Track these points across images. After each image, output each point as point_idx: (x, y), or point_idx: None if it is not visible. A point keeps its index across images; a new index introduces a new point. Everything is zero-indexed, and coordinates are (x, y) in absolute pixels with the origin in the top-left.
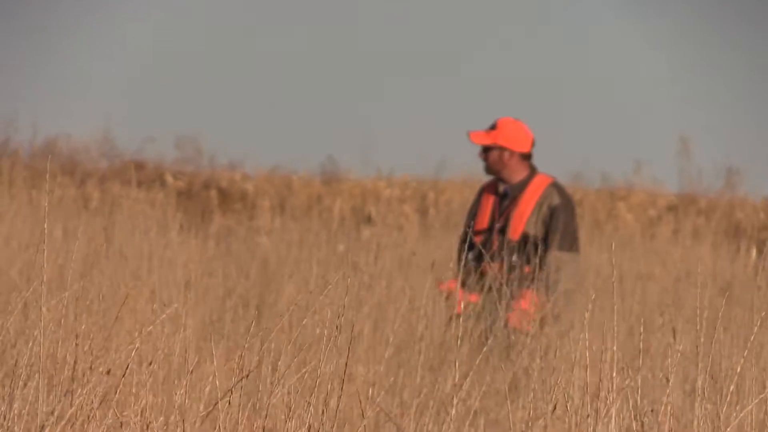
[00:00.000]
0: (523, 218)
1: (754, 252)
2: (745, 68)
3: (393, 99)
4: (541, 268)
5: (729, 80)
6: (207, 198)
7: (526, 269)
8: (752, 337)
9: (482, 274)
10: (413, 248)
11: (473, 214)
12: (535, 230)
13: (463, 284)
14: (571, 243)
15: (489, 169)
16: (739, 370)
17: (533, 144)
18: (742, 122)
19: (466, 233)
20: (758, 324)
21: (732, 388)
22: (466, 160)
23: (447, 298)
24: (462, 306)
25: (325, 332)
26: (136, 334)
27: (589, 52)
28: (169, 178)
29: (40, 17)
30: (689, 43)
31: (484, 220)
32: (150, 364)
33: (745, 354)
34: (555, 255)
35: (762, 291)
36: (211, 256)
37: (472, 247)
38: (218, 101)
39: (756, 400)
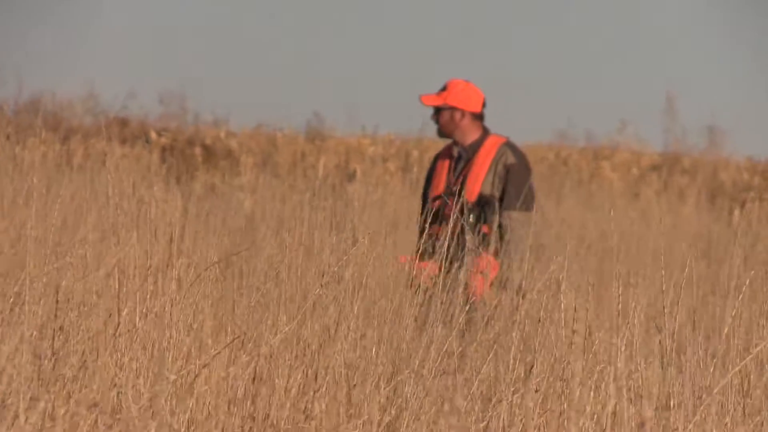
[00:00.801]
0: (479, 179)
1: (736, 212)
2: (731, 28)
3: (378, 56)
4: (499, 228)
5: (714, 39)
6: (191, 155)
7: (484, 229)
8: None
9: (443, 239)
10: (396, 207)
11: (429, 180)
12: (492, 190)
13: (425, 255)
14: (525, 202)
15: (441, 131)
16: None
17: (484, 104)
18: (727, 81)
19: (424, 202)
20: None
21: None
22: None
23: (408, 271)
24: (424, 277)
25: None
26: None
27: (573, 8)
28: (154, 135)
29: None
30: (675, 1)
31: (440, 185)
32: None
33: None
34: (508, 215)
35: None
36: (194, 215)
37: (432, 214)
38: (203, 58)
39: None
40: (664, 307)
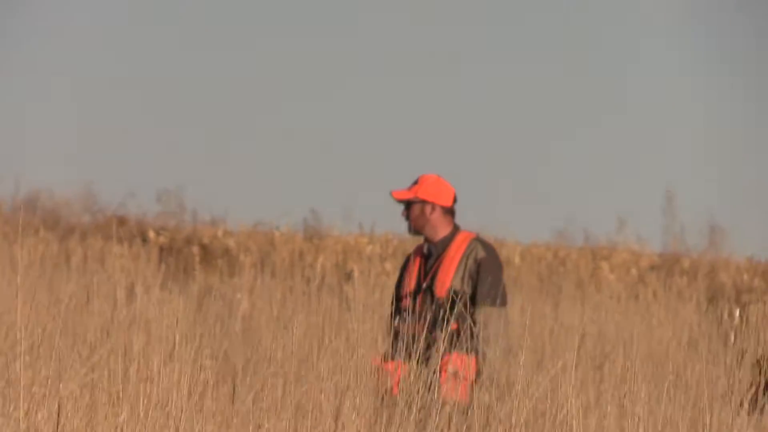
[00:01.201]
0: (449, 274)
1: (737, 314)
2: (731, 125)
3: (376, 156)
4: (473, 324)
5: (714, 136)
6: (189, 254)
7: (453, 326)
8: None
9: (413, 338)
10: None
11: (401, 280)
12: (462, 285)
13: (395, 354)
14: (499, 297)
15: (412, 227)
16: None
17: (455, 199)
18: (727, 180)
19: (393, 302)
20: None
21: None
22: None
23: (378, 374)
24: (394, 383)
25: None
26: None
27: (571, 107)
28: (152, 234)
29: (24, 73)
30: (673, 99)
31: (411, 283)
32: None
33: None
34: (483, 310)
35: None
36: (192, 320)
37: (402, 312)
38: (200, 157)
39: None
40: None
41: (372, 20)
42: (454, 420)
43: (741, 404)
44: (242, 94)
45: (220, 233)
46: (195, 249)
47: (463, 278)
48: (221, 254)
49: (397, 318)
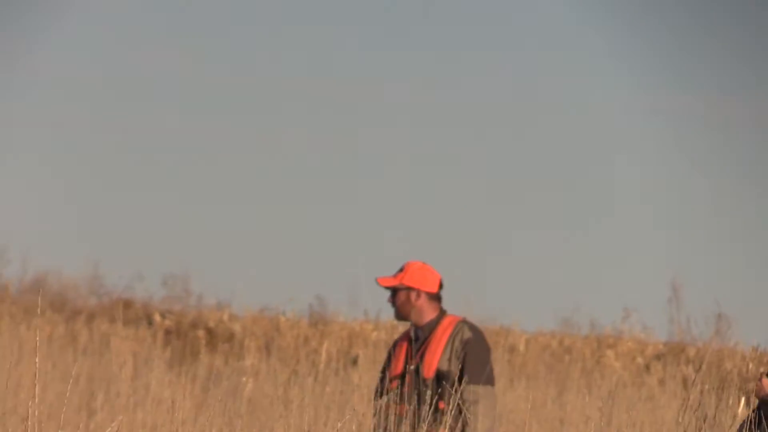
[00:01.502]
0: (436, 355)
1: (742, 402)
2: (737, 214)
3: (382, 242)
4: (461, 403)
5: (720, 227)
6: (194, 337)
7: (440, 405)
8: None
9: (399, 418)
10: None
11: (387, 365)
12: (449, 366)
13: None
14: (486, 376)
15: (398, 313)
16: None
17: (441, 285)
18: (733, 270)
19: (379, 386)
20: None
21: None
22: (455, 304)
23: None
24: None
25: None
26: None
27: (575, 195)
28: (157, 317)
29: (28, 150)
30: (678, 188)
31: (398, 366)
32: None
33: None
34: (470, 389)
35: None
36: (199, 402)
37: (388, 394)
38: (206, 241)
39: None
40: None
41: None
42: None
43: None
44: (248, 178)
45: (225, 317)
46: (200, 333)
47: (449, 359)
48: (227, 338)
49: (385, 398)
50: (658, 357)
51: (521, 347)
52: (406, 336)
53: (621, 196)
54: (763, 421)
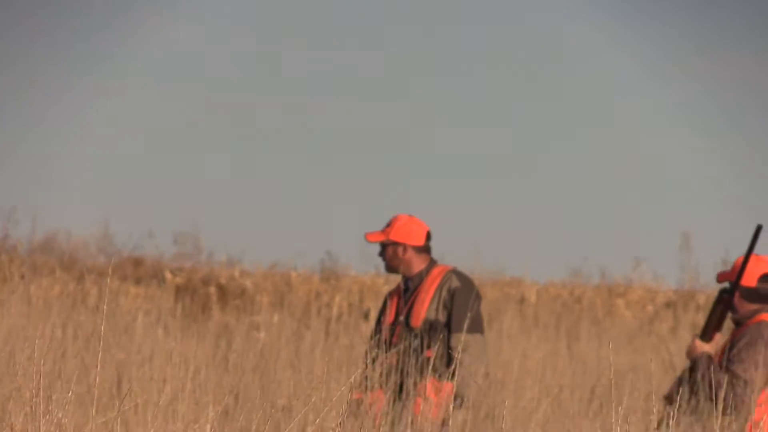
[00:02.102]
0: (424, 305)
1: None
2: (747, 162)
3: (393, 196)
4: (447, 351)
5: (730, 175)
6: (206, 294)
7: (428, 353)
8: None
9: (390, 368)
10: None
11: (380, 316)
12: (437, 315)
13: (374, 384)
14: (473, 324)
15: (388, 267)
16: None
17: (429, 237)
18: (743, 217)
19: (372, 337)
20: None
21: None
22: (467, 257)
23: (358, 406)
24: (377, 414)
25: None
26: None
27: (586, 146)
28: (168, 275)
29: (40, 111)
30: (688, 138)
31: (390, 317)
32: None
33: None
34: (458, 337)
35: None
36: (211, 356)
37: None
38: (217, 198)
39: None
40: None
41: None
42: None
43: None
44: (260, 135)
45: (236, 274)
46: (212, 289)
47: (437, 308)
48: (238, 295)
49: (376, 351)
50: (668, 305)
51: (532, 298)
52: (398, 288)
53: (631, 146)
54: (696, 379)
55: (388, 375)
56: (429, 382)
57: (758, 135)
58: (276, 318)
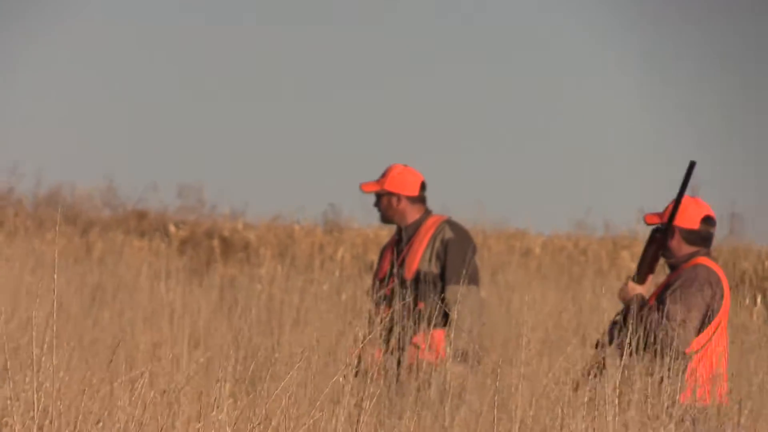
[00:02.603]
0: (417, 256)
1: (759, 300)
2: (752, 113)
3: (397, 147)
4: (441, 303)
5: (735, 125)
6: (209, 247)
7: (420, 305)
8: None
9: (382, 321)
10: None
11: (377, 269)
12: (429, 266)
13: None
14: (468, 276)
15: (383, 217)
16: None
17: (423, 187)
18: (748, 167)
19: (369, 290)
20: None
21: None
22: (470, 208)
23: (357, 363)
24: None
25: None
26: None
27: (588, 97)
28: (172, 228)
29: (42, 66)
30: (693, 85)
31: (384, 269)
32: None
33: None
34: (452, 289)
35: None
36: (215, 309)
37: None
38: (219, 150)
39: None
40: None
41: (393, 19)
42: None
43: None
44: (262, 88)
45: (240, 226)
46: (215, 242)
47: (430, 259)
48: (241, 247)
49: (373, 307)
50: None
51: (537, 250)
52: (393, 238)
53: (633, 94)
54: (629, 322)
55: (382, 329)
56: (422, 334)
57: (751, 82)
58: (279, 271)
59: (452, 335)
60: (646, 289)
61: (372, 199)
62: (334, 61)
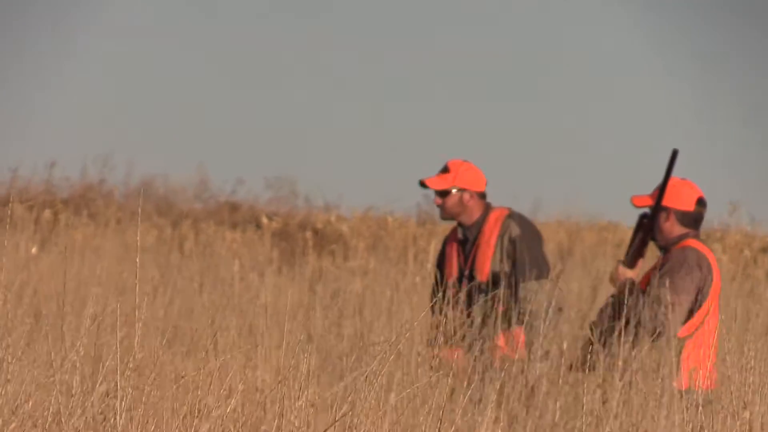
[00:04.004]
0: (487, 258)
1: None
2: None
3: (489, 140)
4: (515, 302)
5: None
6: (302, 239)
7: (500, 309)
8: None
9: (464, 324)
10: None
11: (440, 267)
12: (501, 266)
13: (446, 340)
14: (539, 271)
15: (447, 213)
16: None
17: (486, 183)
18: None
19: (435, 289)
20: None
21: None
22: (560, 201)
23: (438, 364)
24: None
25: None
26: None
27: (682, 89)
28: (264, 220)
29: (137, 59)
30: None
31: (452, 271)
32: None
33: None
34: (523, 287)
35: None
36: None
37: (446, 300)
38: (312, 142)
39: None
40: None
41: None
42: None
43: None
44: (359, 83)
45: (333, 218)
46: (308, 234)
47: (501, 259)
48: (334, 239)
49: (443, 305)
50: (765, 249)
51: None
52: (454, 236)
53: (724, 91)
54: (623, 307)
55: (463, 331)
56: (502, 334)
57: None
58: (372, 263)
59: (530, 333)
60: (636, 274)
61: (429, 193)
62: (430, 59)
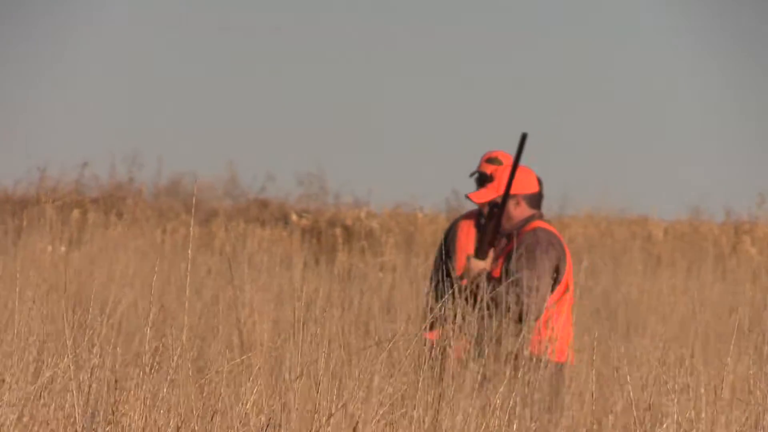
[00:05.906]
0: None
1: None
2: None
3: (517, 134)
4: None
5: None
6: (332, 235)
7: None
8: None
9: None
10: None
11: (449, 250)
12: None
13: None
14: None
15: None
16: None
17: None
18: None
19: (433, 276)
20: None
21: None
22: (588, 196)
23: (433, 347)
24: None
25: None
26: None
27: (705, 82)
28: (294, 216)
29: (165, 58)
30: None
31: (462, 258)
32: None
33: None
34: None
35: None
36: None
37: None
38: (340, 138)
39: None
40: None
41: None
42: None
43: None
44: (384, 76)
45: (363, 215)
46: (338, 231)
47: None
48: (364, 235)
49: (445, 291)
50: None
51: (660, 235)
52: (471, 218)
53: (752, 77)
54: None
55: (467, 322)
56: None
57: None
58: (402, 262)
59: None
60: (488, 264)
61: (458, 189)
62: (457, 57)
